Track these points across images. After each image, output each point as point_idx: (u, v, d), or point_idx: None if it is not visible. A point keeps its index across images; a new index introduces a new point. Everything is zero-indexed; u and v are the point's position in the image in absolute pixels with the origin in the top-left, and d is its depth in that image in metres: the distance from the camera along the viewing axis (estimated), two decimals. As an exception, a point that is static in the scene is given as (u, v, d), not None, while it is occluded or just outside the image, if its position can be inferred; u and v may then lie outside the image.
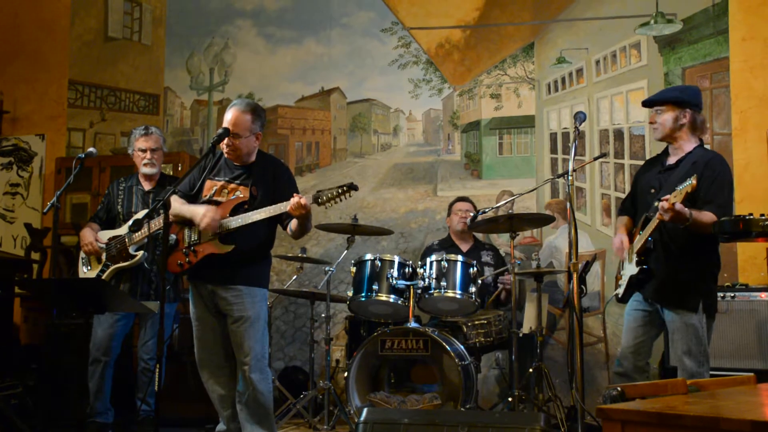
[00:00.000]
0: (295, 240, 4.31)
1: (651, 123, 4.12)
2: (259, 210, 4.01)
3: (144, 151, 4.94)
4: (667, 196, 3.66)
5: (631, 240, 4.14)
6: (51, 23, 7.38)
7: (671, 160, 4.09)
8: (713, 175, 3.89)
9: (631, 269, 4.04)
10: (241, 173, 4.21)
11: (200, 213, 4.03)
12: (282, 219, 4.13)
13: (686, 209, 3.65)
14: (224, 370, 4.22)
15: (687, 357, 3.87)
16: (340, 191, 3.87)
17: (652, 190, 4.06)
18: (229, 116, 4.11)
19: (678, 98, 4.03)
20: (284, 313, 6.55)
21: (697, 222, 3.72)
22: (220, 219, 4.02)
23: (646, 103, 4.19)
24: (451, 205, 5.72)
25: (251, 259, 4.15)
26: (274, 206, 3.98)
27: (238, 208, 4.08)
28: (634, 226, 4.20)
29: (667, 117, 4.02)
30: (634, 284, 4.04)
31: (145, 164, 4.95)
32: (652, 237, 3.90)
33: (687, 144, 4.05)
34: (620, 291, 4.12)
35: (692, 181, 3.56)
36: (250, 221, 4.01)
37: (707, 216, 3.76)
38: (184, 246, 4.17)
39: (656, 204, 3.84)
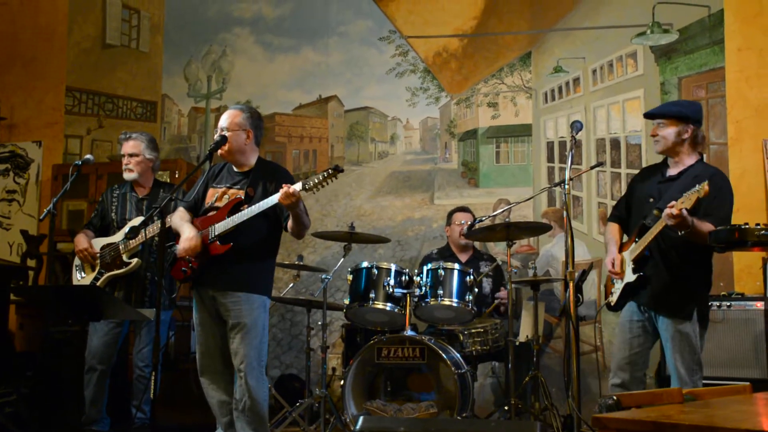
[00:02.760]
0: (298, 238, 4.32)
1: (653, 135, 4.12)
2: (250, 208, 4.03)
3: (123, 156, 4.96)
4: (673, 203, 3.67)
5: (622, 248, 4.16)
6: (49, 30, 7.39)
7: (672, 171, 4.11)
8: (715, 189, 3.88)
9: (626, 277, 4.06)
10: (241, 178, 4.24)
11: (184, 235, 4.09)
12: (281, 220, 4.14)
13: (689, 216, 3.66)
14: (224, 376, 4.22)
15: (680, 365, 3.89)
16: (325, 175, 3.89)
17: (651, 200, 4.07)
18: (222, 116, 4.23)
19: (681, 113, 4.05)
20: (280, 321, 6.54)
21: (695, 230, 3.72)
22: (198, 248, 4.05)
23: (649, 116, 4.22)
24: (450, 215, 5.69)
25: (251, 263, 4.16)
26: (263, 201, 4.01)
27: (235, 210, 4.10)
28: (624, 232, 4.22)
29: (669, 131, 4.04)
30: (628, 292, 4.06)
31: (123, 169, 4.97)
32: (650, 245, 3.92)
33: (688, 158, 4.08)
34: (613, 299, 4.14)
35: (705, 186, 3.57)
36: (245, 218, 4.02)
37: (707, 226, 3.75)
38: None
39: (655, 213, 3.88)
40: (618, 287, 4.11)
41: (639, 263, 4.00)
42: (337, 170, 3.88)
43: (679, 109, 4.12)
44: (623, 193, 4.52)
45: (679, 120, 4.04)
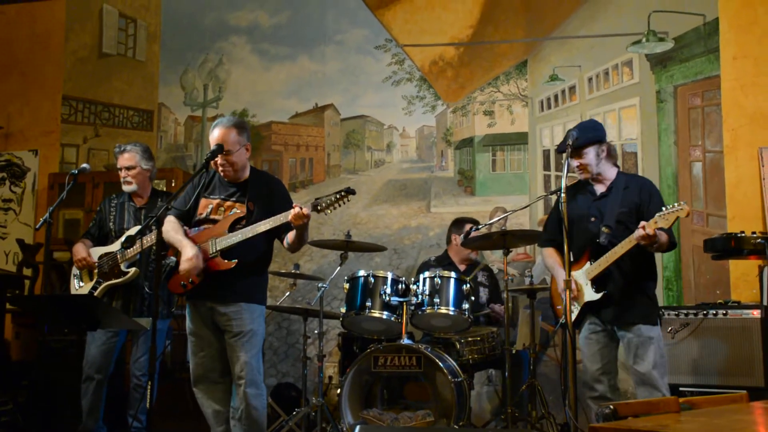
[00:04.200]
0: (293, 253, 4.34)
1: (578, 167, 4.19)
2: (258, 223, 4.02)
3: (120, 169, 4.97)
4: (644, 223, 3.79)
5: (570, 269, 4.15)
6: (45, 39, 7.40)
7: (600, 188, 4.22)
8: (651, 196, 4.12)
9: (587, 296, 4.10)
10: (235, 191, 4.22)
11: (186, 254, 4.04)
12: (279, 233, 4.14)
13: (660, 233, 3.83)
14: (219, 386, 4.21)
15: (653, 369, 3.97)
16: (338, 196, 3.89)
17: (593, 219, 4.16)
18: (216, 134, 4.13)
19: (595, 137, 4.15)
20: (277, 330, 6.53)
21: (661, 243, 3.90)
22: (201, 267, 4.03)
23: (561, 150, 4.20)
24: (460, 225, 5.59)
25: (250, 275, 4.16)
26: (273, 218, 3.99)
27: (236, 224, 4.09)
28: (561, 255, 4.21)
29: (590, 157, 4.15)
30: (589, 310, 4.12)
31: (122, 182, 4.97)
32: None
33: (609, 172, 4.22)
34: (572, 318, 4.13)
35: (686, 208, 3.71)
36: (250, 235, 4.01)
37: (665, 236, 3.93)
38: None
39: (604, 230, 4.02)
40: (575, 307, 4.15)
41: (599, 281, 4.07)
42: (349, 192, 3.88)
43: (591, 134, 4.17)
44: (548, 217, 4.58)
45: (594, 143, 4.15)
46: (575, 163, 4.17)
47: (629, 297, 4.05)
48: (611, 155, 4.24)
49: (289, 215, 3.89)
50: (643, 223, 3.80)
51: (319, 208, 3.89)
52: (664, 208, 3.77)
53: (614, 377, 4.16)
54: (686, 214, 3.70)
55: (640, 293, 4.08)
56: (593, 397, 4.13)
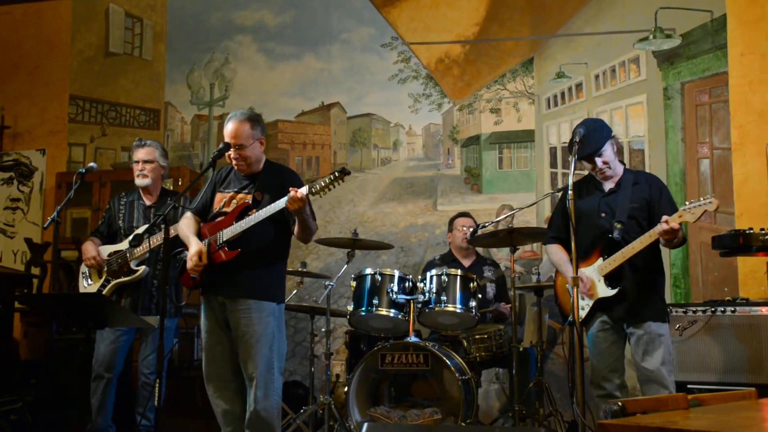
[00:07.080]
0: (304, 243, 4.32)
1: (601, 171, 4.15)
2: (260, 212, 4.01)
3: (137, 162, 4.97)
4: (666, 217, 3.80)
5: (578, 266, 4.15)
6: (52, 39, 7.42)
7: (608, 184, 4.21)
8: (661, 191, 4.15)
9: (600, 292, 4.09)
10: (248, 183, 4.21)
11: (190, 251, 4.06)
12: (289, 222, 4.12)
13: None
14: (230, 384, 4.17)
15: (662, 367, 3.97)
16: (332, 178, 3.85)
17: (603, 214, 4.14)
18: (229, 128, 4.13)
19: (607, 135, 4.13)
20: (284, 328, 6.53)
21: (680, 238, 3.95)
22: (204, 263, 4.02)
23: (590, 156, 4.13)
24: (452, 221, 5.71)
25: (261, 270, 4.12)
26: (271, 205, 3.97)
27: (243, 215, 4.08)
28: (567, 251, 4.20)
29: (609, 154, 4.13)
30: (599, 307, 4.11)
31: (137, 175, 4.97)
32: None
33: (617, 168, 4.22)
34: (582, 314, 4.13)
35: (714, 200, 3.72)
36: (252, 224, 4.00)
37: (681, 231, 3.96)
38: None
39: (617, 225, 4.03)
40: (587, 303, 4.14)
41: (612, 278, 4.05)
42: (344, 173, 3.85)
43: (604, 132, 4.14)
44: (552, 215, 4.57)
45: (607, 140, 4.13)
46: (600, 162, 4.12)
47: (641, 294, 4.05)
48: (620, 151, 4.25)
49: (284, 201, 3.87)
50: (665, 217, 3.81)
51: (313, 190, 3.86)
52: (687, 202, 3.78)
53: (622, 375, 4.15)
54: (715, 207, 3.71)
55: (651, 290, 4.09)
56: (601, 395, 4.12)
